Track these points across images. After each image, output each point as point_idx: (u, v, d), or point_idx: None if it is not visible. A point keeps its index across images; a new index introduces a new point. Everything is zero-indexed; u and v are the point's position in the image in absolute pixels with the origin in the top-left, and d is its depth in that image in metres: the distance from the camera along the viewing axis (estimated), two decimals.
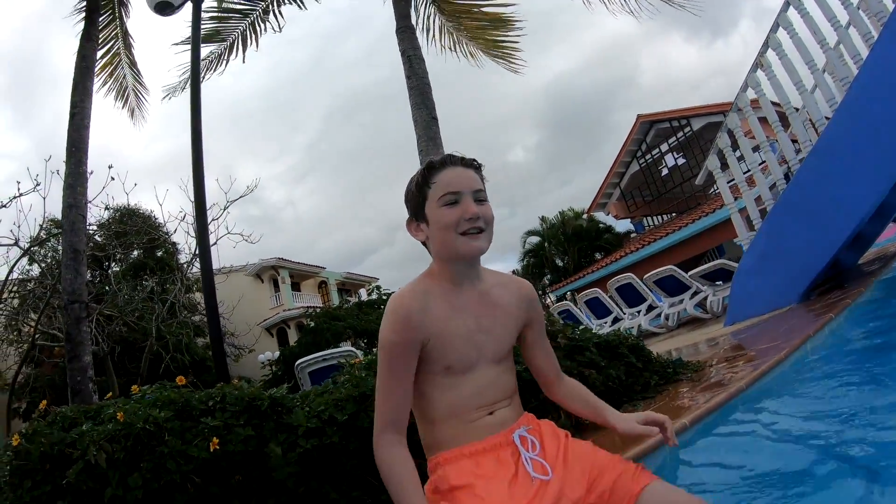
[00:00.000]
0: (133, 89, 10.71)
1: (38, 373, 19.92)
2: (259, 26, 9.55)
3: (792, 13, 6.89)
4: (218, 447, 2.65)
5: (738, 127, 7.44)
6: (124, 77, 10.51)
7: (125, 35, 10.11)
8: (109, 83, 10.44)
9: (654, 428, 1.70)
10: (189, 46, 7.04)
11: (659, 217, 29.19)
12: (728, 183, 7.84)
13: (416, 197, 1.69)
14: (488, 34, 9.21)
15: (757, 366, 3.32)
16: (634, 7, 8.69)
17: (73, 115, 7.69)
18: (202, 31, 7.36)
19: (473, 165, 1.70)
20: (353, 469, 2.78)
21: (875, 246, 10.44)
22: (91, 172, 11.97)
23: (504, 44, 9.23)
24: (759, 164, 7.47)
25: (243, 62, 9.76)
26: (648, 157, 27.69)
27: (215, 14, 9.40)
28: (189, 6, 6.34)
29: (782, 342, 3.90)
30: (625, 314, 11.31)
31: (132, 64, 10.48)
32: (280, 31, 9.51)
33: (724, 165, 7.79)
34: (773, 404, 2.84)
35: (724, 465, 2.29)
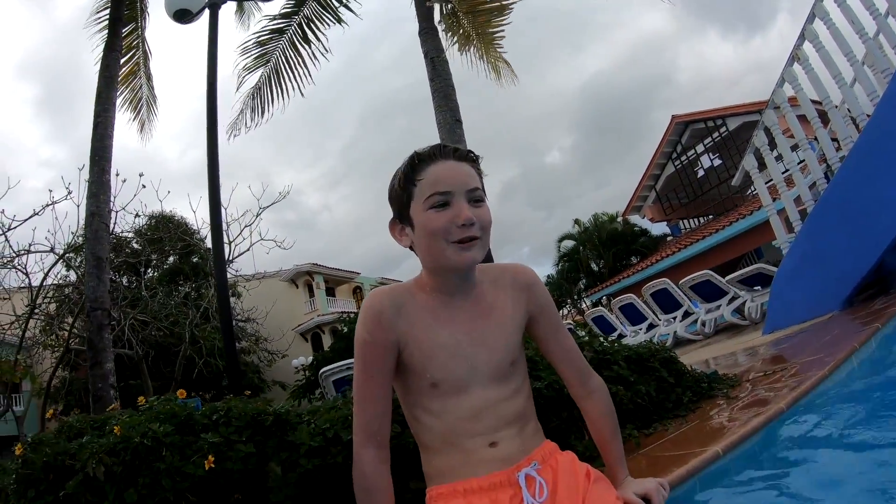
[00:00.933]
0: (147, 101, 10.76)
1: (73, 377, 20.20)
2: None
3: (828, 2, 6.55)
4: (214, 465, 2.53)
5: (775, 124, 7.09)
6: (140, 88, 10.58)
7: (144, 46, 10.20)
8: (125, 93, 10.48)
9: None
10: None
11: (696, 220, 28.58)
12: (766, 183, 7.50)
13: (400, 196, 1.46)
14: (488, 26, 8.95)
15: (799, 382, 3.04)
16: None
17: (96, 125, 7.72)
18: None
19: (469, 158, 1.47)
20: None
21: None
22: (124, 180, 12.27)
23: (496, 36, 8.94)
24: (798, 164, 7.11)
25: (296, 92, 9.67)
26: (684, 158, 27.15)
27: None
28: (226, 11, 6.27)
29: (825, 355, 3.61)
30: (660, 321, 10.98)
31: (149, 76, 10.57)
32: (327, 53, 9.44)
33: (762, 165, 7.44)
34: (817, 427, 2.57)
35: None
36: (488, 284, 1.54)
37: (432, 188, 1.39)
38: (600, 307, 13.79)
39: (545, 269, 39.17)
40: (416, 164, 1.42)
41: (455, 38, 8.52)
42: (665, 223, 30.01)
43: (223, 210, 6.60)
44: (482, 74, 9.25)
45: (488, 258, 6.60)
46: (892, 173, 5.86)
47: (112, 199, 11.98)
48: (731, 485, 2.23)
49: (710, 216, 26.96)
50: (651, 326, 11.29)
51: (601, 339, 3.96)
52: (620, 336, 11.94)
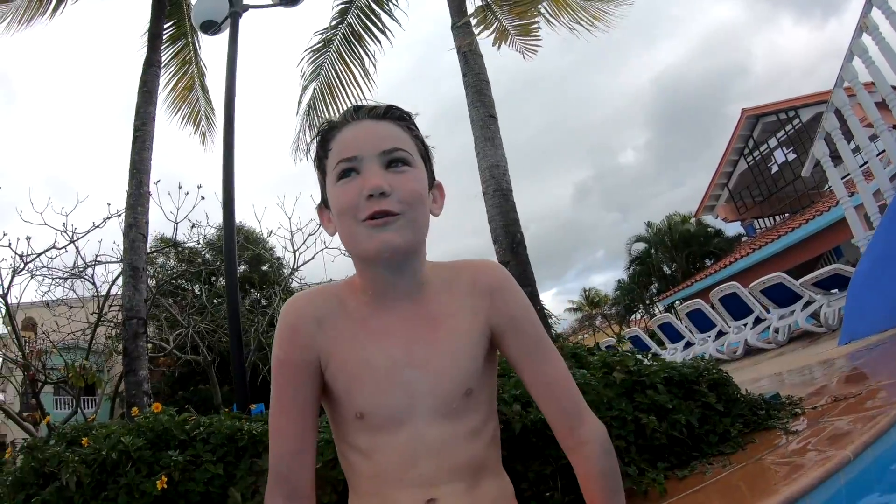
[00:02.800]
0: (206, 114, 10.81)
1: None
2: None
3: None
4: (166, 486, 2.45)
5: (846, 105, 6.33)
6: (197, 101, 10.66)
7: (198, 61, 10.28)
8: (183, 108, 10.59)
9: None
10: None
11: (771, 218, 27.11)
12: (842, 179, 6.75)
13: (317, 173, 1.17)
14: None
15: (873, 417, 2.46)
16: None
17: (135, 139, 7.67)
18: None
19: (391, 115, 1.12)
20: None
21: None
22: (187, 193, 12.51)
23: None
24: (878, 154, 6.35)
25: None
26: (756, 153, 25.80)
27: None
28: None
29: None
30: (730, 328, 10.21)
31: (205, 90, 10.62)
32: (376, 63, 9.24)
33: (836, 156, 6.69)
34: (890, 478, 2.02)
35: None
36: (441, 287, 1.16)
37: (338, 155, 1.09)
38: (667, 314, 13.05)
39: (618, 272, 38.33)
40: (327, 132, 1.13)
41: (490, 32, 8.06)
42: (739, 223, 28.63)
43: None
44: (555, 74, 8.83)
45: (527, 275, 6.39)
46: None
47: (176, 210, 12.28)
48: None
49: (786, 214, 25.52)
50: (720, 334, 10.51)
51: (638, 356, 3.41)
52: (688, 344, 11.26)
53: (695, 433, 2.90)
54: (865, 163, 6.40)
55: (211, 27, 6.27)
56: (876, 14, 5.99)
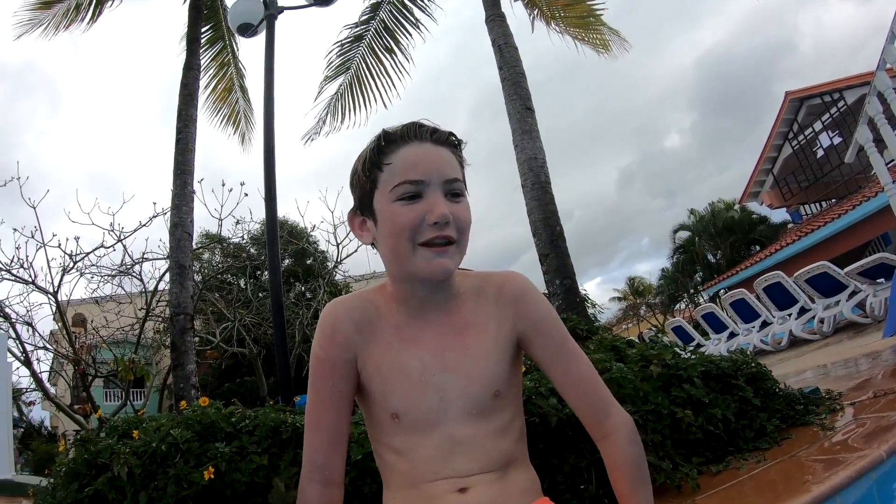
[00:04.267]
0: (244, 114, 11.04)
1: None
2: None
3: None
4: (214, 476, 2.56)
5: (889, 87, 6.15)
6: (237, 102, 10.89)
7: (236, 63, 10.53)
8: (223, 109, 10.86)
9: None
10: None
11: (817, 204, 26.40)
12: (888, 164, 6.58)
13: (363, 182, 1.19)
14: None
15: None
16: None
17: (177, 141, 7.91)
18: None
19: (450, 142, 1.19)
20: None
21: None
22: (230, 190, 12.78)
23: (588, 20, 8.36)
24: None
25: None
26: (801, 138, 25.10)
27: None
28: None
29: None
30: (774, 318, 10.07)
31: (244, 90, 10.86)
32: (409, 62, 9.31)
33: (880, 140, 6.51)
34: None
35: None
36: (469, 296, 1.25)
37: (402, 175, 1.13)
38: (710, 304, 12.88)
39: (663, 261, 37.62)
40: (384, 144, 1.16)
41: (537, 13, 8.06)
42: (785, 209, 27.93)
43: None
44: (592, 57, 8.76)
45: (566, 267, 6.32)
46: None
47: (220, 207, 12.84)
48: None
49: (833, 200, 24.82)
50: (765, 324, 10.37)
51: (675, 349, 3.42)
52: (732, 335, 11.12)
53: (731, 428, 2.90)
54: None
55: (247, 29, 6.38)
56: None
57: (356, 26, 9.30)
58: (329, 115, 9.64)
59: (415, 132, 1.15)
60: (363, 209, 1.21)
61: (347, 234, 15.43)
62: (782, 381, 3.53)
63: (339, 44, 9.40)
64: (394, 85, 9.39)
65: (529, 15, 8.62)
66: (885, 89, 6.15)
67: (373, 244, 1.23)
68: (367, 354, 1.20)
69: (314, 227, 20.70)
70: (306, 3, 6.55)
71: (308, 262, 24.80)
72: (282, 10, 6.24)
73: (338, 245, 15.98)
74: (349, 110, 9.61)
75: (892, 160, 6.51)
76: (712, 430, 2.83)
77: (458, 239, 1.14)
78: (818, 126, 24.43)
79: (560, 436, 2.62)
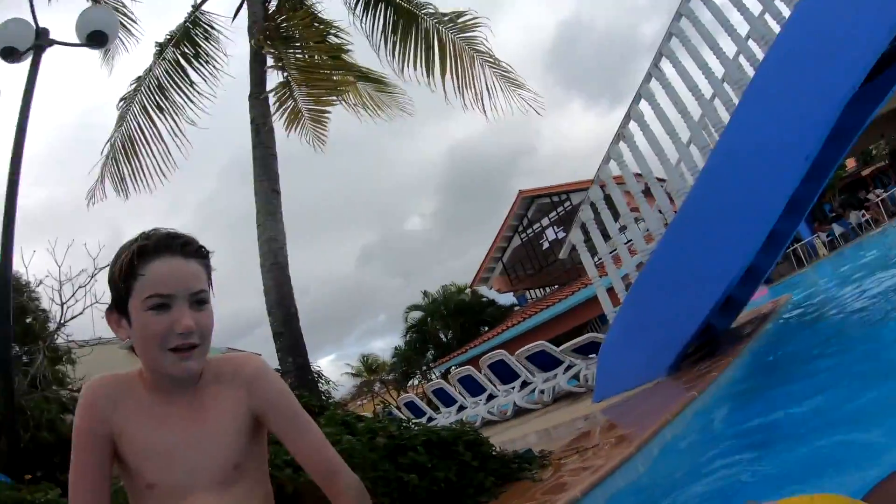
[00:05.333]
0: None
1: None
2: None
3: (654, 84, 6.88)
4: None
5: (600, 199, 7.24)
6: None
7: None
8: None
9: None
10: None
11: (542, 290, 29.41)
12: (597, 260, 7.62)
13: (119, 287, 1.26)
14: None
15: (602, 464, 2.77)
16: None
17: None
18: None
19: (199, 254, 1.30)
20: None
21: (751, 306, 10.70)
22: None
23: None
24: (626, 243, 7.31)
25: None
26: (530, 231, 28.05)
27: None
28: None
29: (638, 429, 3.42)
30: (499, 391, 10.81)
31: None
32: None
33: (589, 239, 7.54)
34: None
35: None
36: (210, 380, 1.36)
37: (153, 288, 1.23)
38: (440, 380, 13.54)
39: (394, 339, 38.63)
40: (141, 256, 1.24)
41: (284, 113, 8.10)
42: (512, 294, 30.64)
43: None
44: (352, 137, 8.95)
45: (298, 347, 6.33)
46: (712, 242, 6.12)
47: None
48: None
49: (556, 286, 27.85)
50: (491, 397, 11.08)
51: (401, 422, 3.57)
52: (462, 408, 11.70)
53: (454, 487, 3.05)
54: (615, 249, 7.31)
55: (11, 54, 5.82)
56: (633, 126, 7.03)
57: (136, 81, 8.74)
58: (107, 174, 8.78)
59: (166, 245, 1.24)
60: (119, 310, 1.28)
61: (74, 294, 13.78)
62: (505, 446, 3.83)
63: (124, 98, 8.77)
64: (167, 148, 8.82)
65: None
66: (597, 201, 7.20)
67: (129, 339, 1.29)
68: (122, 430, 1.28)
69: (40, 281, 18.12)
70: (79, 42, 6.09)
71: (27, 320, 21.75)
72: (52, 42, 5.88)
73: (62, 304, 14.19)
74: (128, 175, 8.84)
75: (600, 258, 7.53)
76: (437, 490, 2.95)
77: (202, 343, 1.25)
78: (545, 222, 27.49)
79: (296, 500, 2.61)
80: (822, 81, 5.71)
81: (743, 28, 6.55)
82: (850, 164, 32.00)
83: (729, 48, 6.68)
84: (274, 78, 7.93)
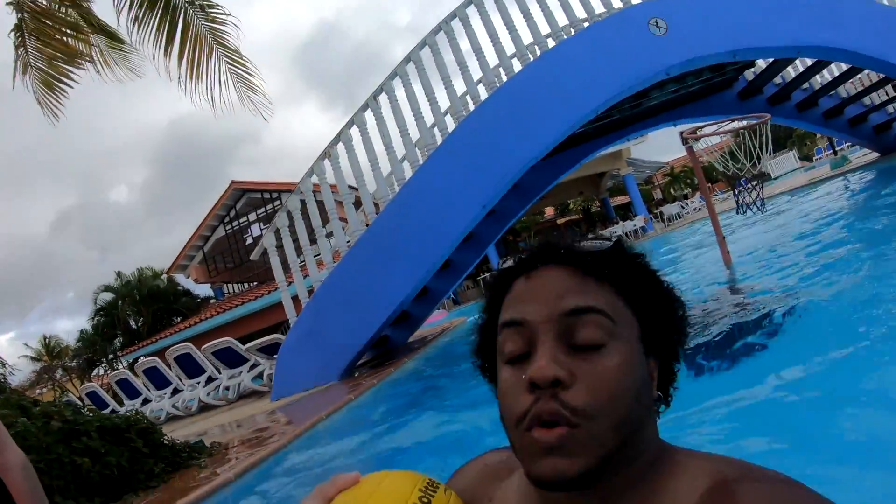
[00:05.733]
0: None
1: None
2: None
3: (369, 114, 7.74)
4: None
5: (297, 209, 7.91)
6: None
7: None
8: None
9: None
10: None
11: (240, 285, 29.17)
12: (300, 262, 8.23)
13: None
14: None
15: (253, 454, 3.47)
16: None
17: None
18: None
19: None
20: None
21: (431, 325, 12.20)
22: None
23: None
24: (315, 256, 8.05)
25: None
26: (236, 223, 27.66)
27: None
28: None
29: (297, 425, 4.17)
30: (185, 385, 10.88)
31: None
32: None
33: (281, 246, 8.14)
34: (259, 495, 2.98)
35: None
36: None
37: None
38: (125, 370, 13.07)
39: (84, 321, 34.97)
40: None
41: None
42: (210, 285, 29.92)
43: None
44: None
45: None
46: (389, 265, 7.08)
47: None
48: None
49: (255, 283, 27.81)
50: (176, 391, 11.10)
51: (77, 407, 3.86)
52: (146, 401, 11.48)
53: (126, 473, 3.47)
54: (303, 261, 8.04)
55: None
56: (340, 148, 7.78)
57: None
58: None
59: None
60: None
61: None
62: (180, 437, 4.28)
63: None
64: None
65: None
66: (294, 210, 7.85)
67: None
68: None
69: None
70: None
71: None
72: None
73: None
74: None
75: (302, 259, 8.17)
76: (109, 475, 3.35)
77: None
78: (253, 217, 27.25)
79: None
80: (511, 147, 7.10)
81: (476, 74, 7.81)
82: (550, 212, 38.31)
83: (459, 87, 7.87)
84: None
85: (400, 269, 7.09)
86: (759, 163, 6.35)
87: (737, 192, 6.67)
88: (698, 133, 6.46)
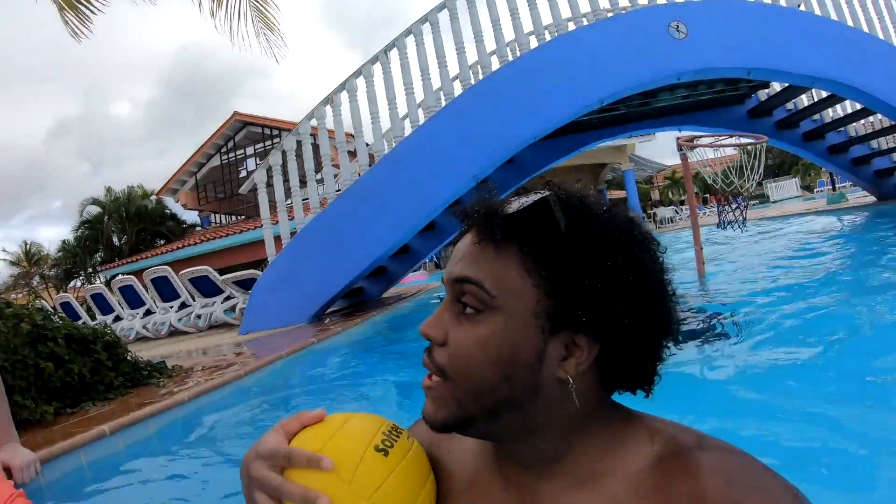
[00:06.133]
0: None
1: None
2: None
3: (377, 67, 7.76)
4: None
5: (292, 150, 7.96)
6: None
7: None
8: None
9: (26, 476, 1.76)
10: None
11: (228, 217, 29.18)
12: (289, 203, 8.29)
13: None
14: None
15: (211, 379, 3.59)
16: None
17: None
18: None
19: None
20: None
21: (412, 284, 12.24)
22: None
23: None
24: (304, 200, 8.12)
25: None
26: (232, 155, 27.56)
27: None
28: None
29: (256, 359, 4.29)
30: (158, 308, 11.00)
31: None
32: None
33: (271, 185, 8.19)
34: (204, 419, 3.12)
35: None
36: None
37: None
38: (101, 285, 13.13)
39: (68, 231, 34.90)
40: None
41: None
42: (197, 213, 29.91)
43: None
44: None
45: None
46: (373, 219, 7.18)
47: None
48: (118, 460, 2.56)
49: (243, 217, 27.79)
50: (149, 312, 11.23)
51: (48, 313, 3.93)
52: (118, 318, 11.59)
53: (86, 382, 3.58)
54: (290, 201, 8.11)
55: None
56: (343, 96, 7.76)
57: None
58: None
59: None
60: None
61: None
62: (145, 357, 4.39)
63: None
64: None
65: None
66: (289, 150, 7.89)
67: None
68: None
69: None
70: None
71: None
72: None
73: None
74: None
75: (290, 201, 8.23)
76: (70, 382, 3.46)
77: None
78: (250, 150, 27.20)
79: None
80: (511, 122, 7.16)
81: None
82: None
83: (472, 56, 7.90)
84: None
85: (383, 223, 7.21)
86: (748, 184, 6.43)
87: (721, 208, 6.75)
88: (695, 142, 6.53)
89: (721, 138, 6.71)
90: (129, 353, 4.16)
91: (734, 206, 6.61)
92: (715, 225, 6.81)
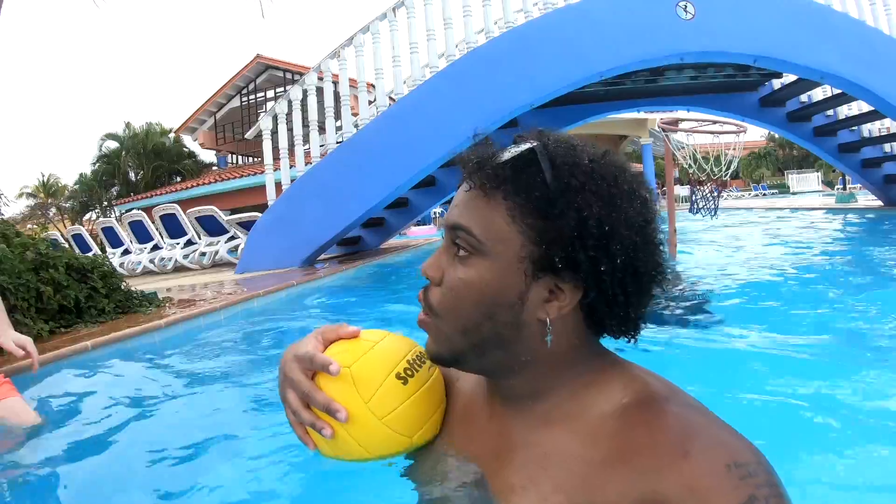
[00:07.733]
0: None
1: None
2: None
3: (384, 25, 7.94)
4: None
5: (297, 99, 8.22)
6: None
7: None
8: None
9: (19, 350, 2.04)
10: None
11: (245, 158, 29.42)
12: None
13: None
14: None
15: (186, 310, 4.01)
16: None
17: None
18: None
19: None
20: None
21: (419, 237, 12.40)
22: None
23: None
24: (304, 148, 8.37)
25: None
26: (252, 98, 27.62)
27: None
28: None
29: (240, 296, 4.68)
30: (165, 244, 11.35)
31: None
32: None
33: (276, 132, 8.42)
34: (198, 339, 3.52)
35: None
36: None
37: None
38: (111, 219, 13.46)
39: (86, 165, 35.04)
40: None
41: None
42: (215, 153, 30.16)
43: None
44: None
45: None
46: (370, 170, 7.44)
47: None
48: (96, 370, 2.93)
49: (260, 159, 27.92)
50: (156, 248, 11.58)
51: (51, 243, 4.33)
52: (126, 252, 11.98)
53: (81, 307, 3.99)
54: (293, 145, 8.36)
55: None
56: (349, 50, 8.01)
57: None
58: None
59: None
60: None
61: None
62: (147, 289, 4.79)
63: None
64: None
65: None
66: (295, 100, 8.12)
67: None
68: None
69: None
70: None
71: None
72: None
73: None
74: None
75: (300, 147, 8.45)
76: (67, 306, 3.87)
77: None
78: (271, 94, 27.14)
79: None
80: (510, 86, 7.31)
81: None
82: None
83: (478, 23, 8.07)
84: None
85: (378, 175, 7.45)
86: (722, 174, 6.52)
87: (694, 193, 6.87)
88: (679, 125, 6.63)
89: (704, 122, 6.79)
90: (124, 283, 4.55)
91: (708, 194, 6.72)
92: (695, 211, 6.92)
